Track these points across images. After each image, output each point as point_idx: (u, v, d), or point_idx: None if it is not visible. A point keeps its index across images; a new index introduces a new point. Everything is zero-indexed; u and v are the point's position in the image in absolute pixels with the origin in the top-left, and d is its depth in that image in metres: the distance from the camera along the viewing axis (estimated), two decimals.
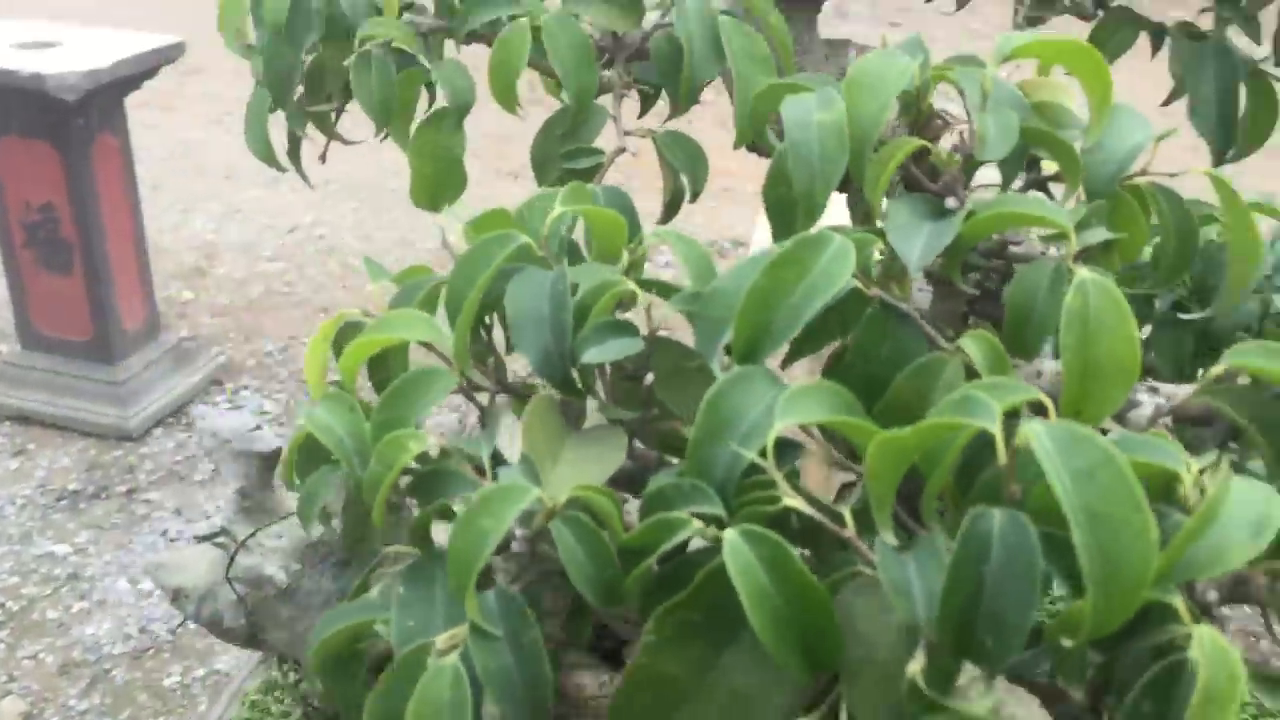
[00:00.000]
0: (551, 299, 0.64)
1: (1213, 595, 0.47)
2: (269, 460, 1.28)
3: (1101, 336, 0.56)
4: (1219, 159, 0.94)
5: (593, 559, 0.56)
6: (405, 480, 0.65)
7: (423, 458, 0.62)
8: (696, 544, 0.56)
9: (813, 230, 0.61)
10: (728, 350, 0.62)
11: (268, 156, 1.05)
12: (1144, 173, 0.70)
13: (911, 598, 0.48)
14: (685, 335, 0.66)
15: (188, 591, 1.26)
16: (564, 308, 0.63)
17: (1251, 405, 0.54)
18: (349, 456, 0.66)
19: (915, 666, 0.47)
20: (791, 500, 0.54)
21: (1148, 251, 0.72)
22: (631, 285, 0.64)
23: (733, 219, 4.87)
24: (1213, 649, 0.43)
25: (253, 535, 1.22)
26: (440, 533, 0.63)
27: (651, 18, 0.86)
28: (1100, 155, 0.66)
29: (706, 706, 0.55)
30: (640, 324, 0.64)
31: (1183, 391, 0.57)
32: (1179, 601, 0.45)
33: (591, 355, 0.62)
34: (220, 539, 1.22)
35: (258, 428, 1.31)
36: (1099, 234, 0.64)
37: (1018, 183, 0.70)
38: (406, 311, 0.68)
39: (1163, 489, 0.48)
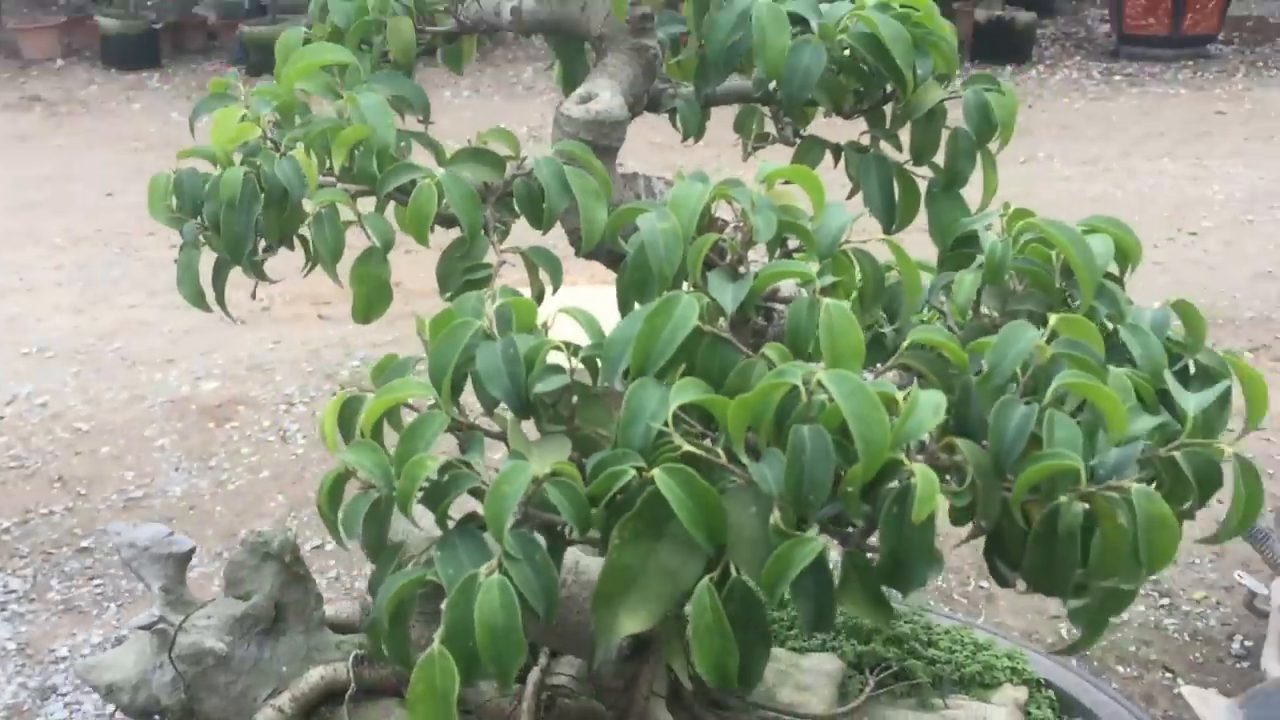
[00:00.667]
0: (505, 359, 1.01)
1: (919, 456, 0.89)
2: (184, 559, 1.56)
3: (841, 336, 0.98)
4: (887, 230, 1.40)
5: (573, 503, 0.93)
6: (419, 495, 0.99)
7: (440, 469, 0.98)
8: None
9: (666, 294, 1.01)
10: (625, 374, 1.00)
11: (200, 303, 1.36)
12: (848, 242, 1.14)
13: (769, 482, 0.88)
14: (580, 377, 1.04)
15: (120, 684, 1.52)
16: (517, 362, 1.01)
17: (924, 361, 0.98)
18: (380, 479, 1.00)
19: (775, 517, 0.87)
20: (687, 446, 0.92)
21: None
22: (557, 342, 1.02)
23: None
24: (923, 473, 0.84)
25: (190, 615, 1.50)
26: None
27: (510, 169, 1.24)
28: (823, 233, 1.10)
29: (650, 580, 0.92)
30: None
31: (890, 362, 1.00)
32: (903, 455, 0.86)
33: (540, 388, 1.00)
34: (160, 625, 1.49)
35: (170, 534, 1.59)
36: (828, 280, 1.07)
37: (778, 254, 1.12)
38: (403, 380, 1.03)
39: (888, 404, 0.90)
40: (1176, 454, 0.95)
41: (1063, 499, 0.85)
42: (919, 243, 1.36)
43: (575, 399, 1.03)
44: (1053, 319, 0.96)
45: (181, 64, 9.22)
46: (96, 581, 4.02)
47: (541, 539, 0.93)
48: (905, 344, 0.98)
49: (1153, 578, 4.13)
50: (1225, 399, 1.11)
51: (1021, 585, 1.09)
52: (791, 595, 0.87)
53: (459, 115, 8.02)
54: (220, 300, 1.36)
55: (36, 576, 3.60)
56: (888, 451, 0.85)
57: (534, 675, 1.44)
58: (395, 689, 1.48)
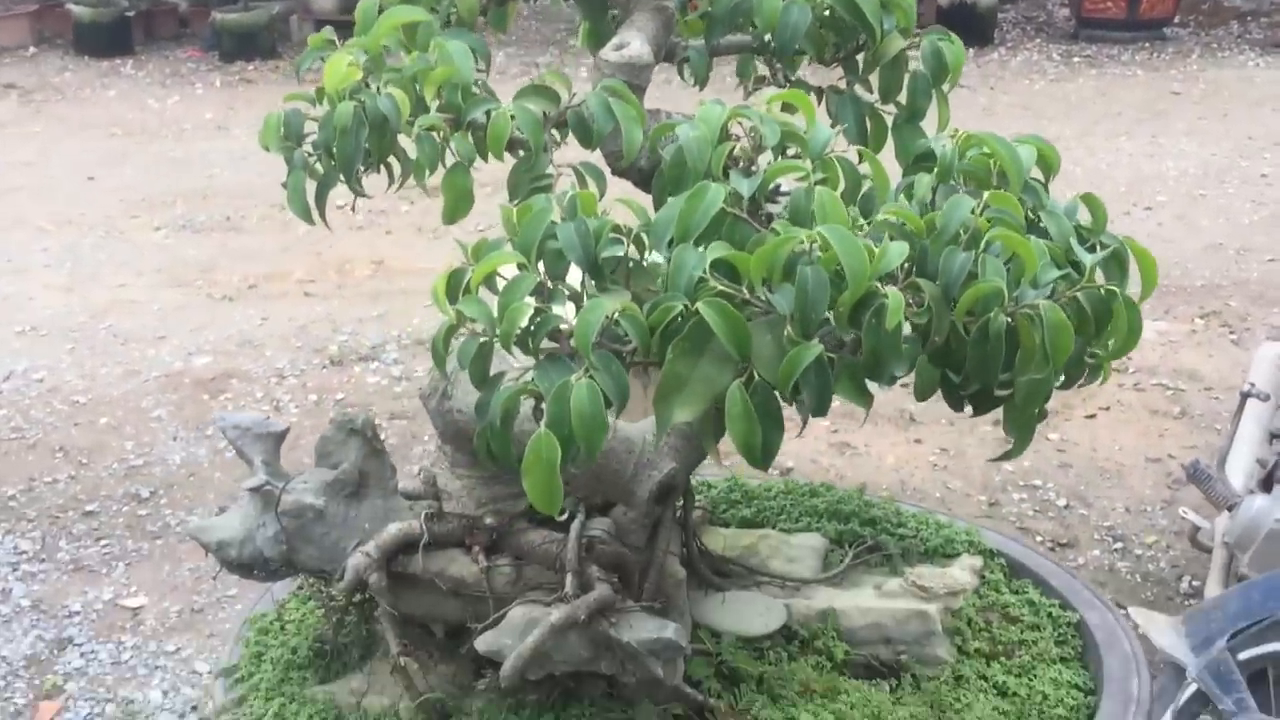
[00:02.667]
0: (579, 234, 1.39)
1: (890, 288, 1.28)
2: (280, 437, 1.93)
3: (831, 212, 1.36)
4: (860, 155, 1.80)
5: (638, 330, 1.31)
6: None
7: (533, 313, 1.35)
8: None
9: (700, 184, 1.39)
10: (669, 244, 1.38)
11: (308, 216, 1.73)
12: (833, 151, 1.53)
13: (782, 306, 1.27)
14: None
15: (228, 541, 1.88)
16: (588, 235, 1.39)
17: (891, 230, 1.37)
18: (486, 324, 1.37)
19: (788, 331, 1.25)
20: (722, 286, 1.30)
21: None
22: (616, 221, 1.40)
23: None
24: (893, 294, 1.23)
25: (296, 478, 1.85)
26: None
27: (564, 101, 1.63)
28: (814, 142, 1.49)
29: (695, 384, 1.30)
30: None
31: (866, 230, 1.39)
32: (879, 285, 1.25)
33: (606, 254, 1.38)
34: (266, 487, 1.85)
35: (267, 418, 1.96)
36: (819, 177, 1.45)
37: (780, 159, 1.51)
38: (500, 252, 1.41)
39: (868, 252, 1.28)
40: (1079, 294, 1.34)
41: (992, 314, 1.24)
42: (887, 166, 1.76)
43: (630, 266, 1.41)
44: (986, 194, 1.35)
45: (154, 51, 9.52)
46: (104, 542, 4.32)
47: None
48: (878, 216, 1.37)
49: (1106, 524, 4.53)
50: (1123, 269, 1.51)
51: (969, 410, 1.48)
52: (800, 385, 1.25)
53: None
54: (323, 214, 1.73)
55: (45, 539, 3.84)
56: (868, 281, 1.23)
57: (576, 526, 1.82)
58: (459, 540, 1.85)
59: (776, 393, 1.28)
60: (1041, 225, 1.46)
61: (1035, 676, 1.97)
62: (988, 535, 2.26)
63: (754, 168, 1.46)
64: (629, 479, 1.70)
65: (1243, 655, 2.84)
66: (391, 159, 1.67)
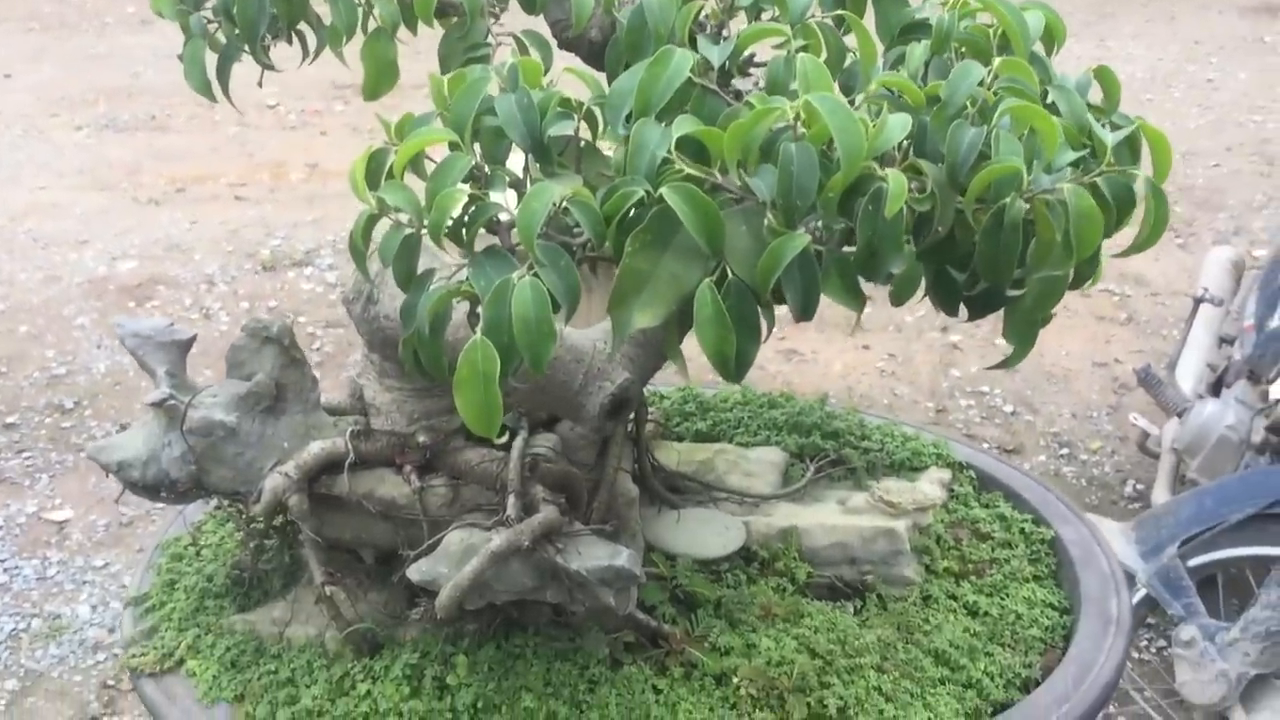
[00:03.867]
0: (520, 108, 1.16)
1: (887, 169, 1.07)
2: (186, 346, 1.70)
3: (815, 81, 1.14)
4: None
5: (591, 220, 1.09)
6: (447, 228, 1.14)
7: (467, 200, 1.13)
8: None
9: (664, 47, 1.16)
10: (627, 120, 1.16)
11: (207, 92, 1.48)
12: (813, 16, 1.30)
13: (763, 190, 1.05)
14: None
15: (130, 461, 1.66)
16: (531, 110, 1.16)
17: (886, 102, 1.15)
18: (413, 214, 1.15)
19: (768, 218, 1.04)
20: (690, 169, 1.09)
21: None
22: (566, 94, 1.17)
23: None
24: (894, 176, 1.02)
25: (203, 390, 1.63)
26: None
27: None
28: (793, 3, 1.26)
29: (658, 283, 1.09)
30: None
31: (859, 101, 1.18)
32: (875, 166, 1.04)
33: (553, 131, 1.15)
34: (170, 402, 1.62)
35: (171, 324, 1.72)
36: (799, 43, 1.23)
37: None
38: (428, 129, 1.17)
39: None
40: (1098, 179, 1.14)
41: (1008, 199, 1.03)
42: None
43: (582, 146, 1.18)
44: (996, 60, 1.14)
45: None
46: (26, 455, 4.09)
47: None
48: (872, 85, 1.15)
49: (1053, 430, 4.42)
50: (1136, 151, 1.31)
51: (963, 314, 1.28)
52: (783, 284, 1.04)
53: None
54: (225, 90, 1.48)
55: None
56: (864, 159, 1.02)
57: (518, 442, 1.61)
58: (389, 459, 1.64)
59: (752, 293, 1.07)
60: (1050, 102, 1.25)
61: (1008, 596, 1.81)
62: (957, 447, 2.09)
63: (724, 34, 1.23)
64: (577, 391, 1.49)
65: (1193, 561, 2.74)
66: (304, 25, 1.42)
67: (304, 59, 1.45)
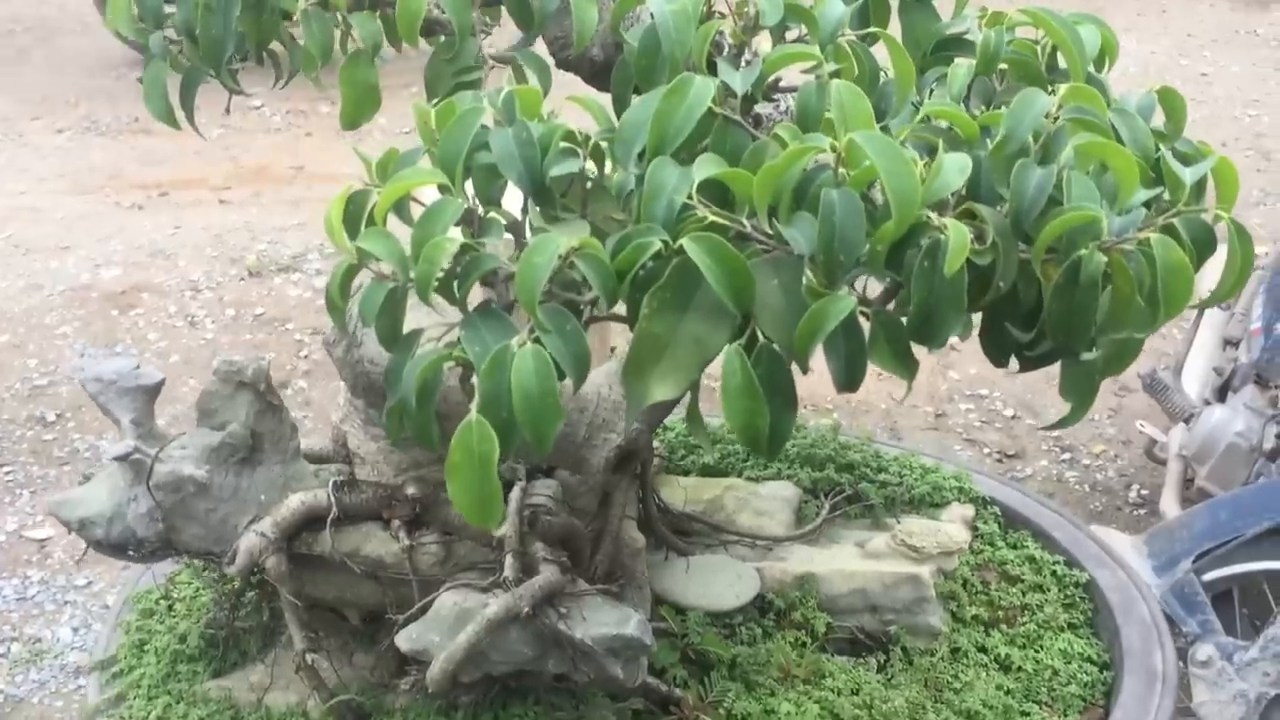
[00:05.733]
0: (519, 143, 1.00)
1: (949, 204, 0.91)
2: (153, 392, 1.53)
3: (853, 111, 0.99)
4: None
5: (601, 276, 0.93)
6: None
7: (459, 251, 0.97)
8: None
9: (682, 75, 1.00)
10: (640, 157, 1.00)
11: (170, 119, 1.31)
12: (845, 34, 1.14)
13: (800, 242, 0.89)
14: None
15: (93, 519, 1.49)
16: (531, 145, 1.00)
17: (935, 134, 1.00)
18: (397, 265, 0.99)
19: (808, 277, 0.89)
20: (714, 216, 0.93)
21: None
22: (571, 127, 1.01)
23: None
24: (954, 227, 0.86)
25: (172, 441, 1.46)
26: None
27: None
28: (824, 20, 1.10)
29: (679, 348, 0.93)
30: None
31: (903, 135, 1.02)
32: (933, 214, 0.88)
33: (555, 171, 0.99)
34: (135, 455, 1.46)
35: (137, 366, 1.56)
36: (832, 67, 1.07)
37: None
38: (414, 169, 1.01)
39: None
40: (1175, 221, 0.98)
41: (1084, 250, 0.88)
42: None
43: (589, 186, 1.02)
44: (1062, 88, 0.98)
45: None
46: (6, 469, 3.92)
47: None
48: (918, 117, 1.00)
49: (1055, 434, 4.30)
50: (1200, 186, 1.15)
51: (1014, 365, 1.12)
52: (825, 351, 0.89)
53: None
54: (190, 116, 1.31)
55: None
56: (919, 208, 0.87)
57: (515, 493, 1.45)
58: (375, 513, 1.48)
59: (787, 358, 0.92)
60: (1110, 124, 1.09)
61: (1042, 648, 1.66)
62: (979, 480, 1.94)
63: (747, 56, 1.07)
64: (580, 444, 1.33)
65: (1208, 576, 2.60)
66: (276, 45, 1.25)
67: (275, 83, 1.28)
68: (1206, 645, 2.51)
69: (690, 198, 0.93)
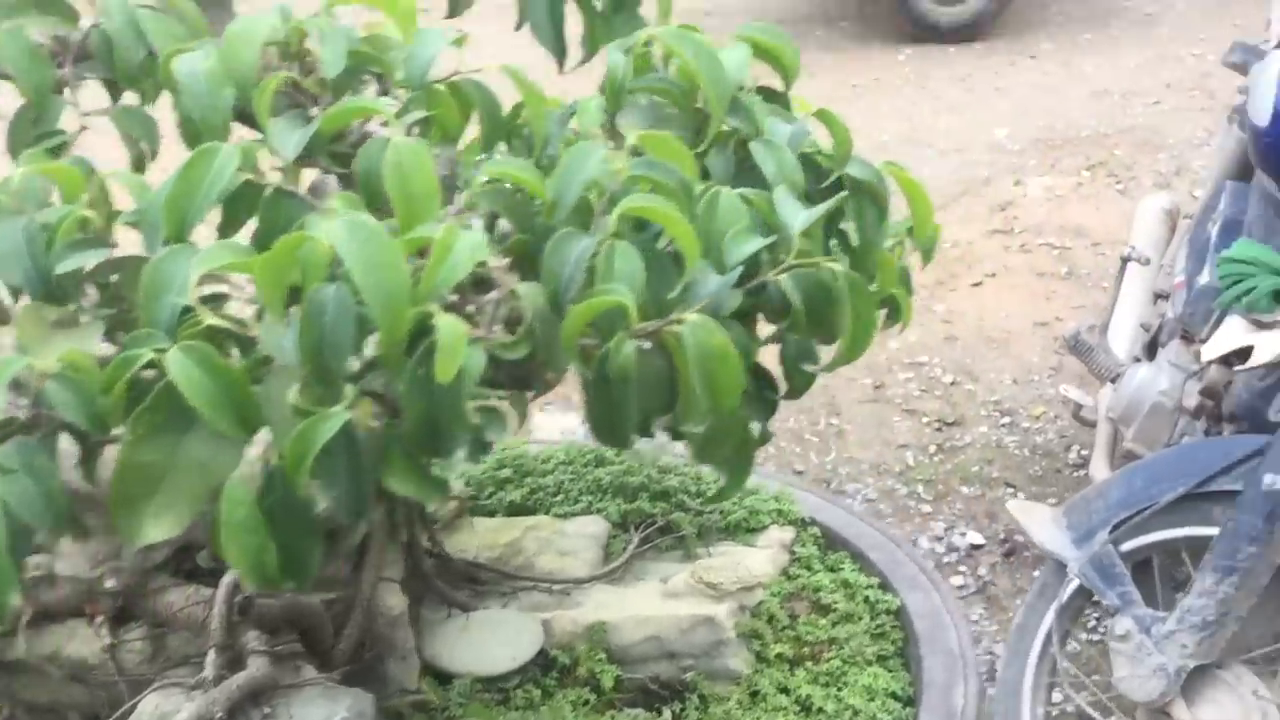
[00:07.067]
0: (27, 236, 0.85)
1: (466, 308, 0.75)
2: None
3: (411, 177, 0.83)
4: (561, 66, 1.24)
5: (80, 399, 0.78)
6: None
7: None
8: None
9: (203, 146, 0.85)
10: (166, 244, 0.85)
11: None
12: (458, 73, 0.98)
13: (285, 351, 0.74)
14: None
15: None
16: (35, 239, 0.84)
17: (502, 198, 0.84)
18: None
19: (294, 394, 0.73)
20: (212, 319, 0.78)
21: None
22: (88, 213, 0.86)
23: None
24: (446, 324, 0.71)
25: None
26: None
27: (86, 22, 1.06)
28: (411, 63, 0.94)
29: (181, 477, 0.78)
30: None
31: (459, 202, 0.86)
32: (434, 309, 0.73)
33: (62, 267, 0.84)
34: None
35: None
36: (416, 115, 0.92)
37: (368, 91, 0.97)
38: None
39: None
40: (784, 278, 0.82)
41: (612, 341, 0.72)
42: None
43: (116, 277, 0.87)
44: (631, 136, 0.82)
45: None
46: None
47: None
48: (479, 180, 0.84)
49: (994, 398, 4.14)
50: (880, 210, 0.99)
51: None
52: (319, 479, 0.74)
53: None
54: None
55: None
56: (409, 307, 0.71)
57: (227, 578, 1.31)
58: (78, 609, 1.34)
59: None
60: (751, 164, 0.93)
61: (845, 685, 1.52)
62: (803, 499, 1.79)
63: (316, 109, 0.91)
64: None
65: (1126, 546, 2.43)
66: None
67: None
68: (1125, 619, 2.36)
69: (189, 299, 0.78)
